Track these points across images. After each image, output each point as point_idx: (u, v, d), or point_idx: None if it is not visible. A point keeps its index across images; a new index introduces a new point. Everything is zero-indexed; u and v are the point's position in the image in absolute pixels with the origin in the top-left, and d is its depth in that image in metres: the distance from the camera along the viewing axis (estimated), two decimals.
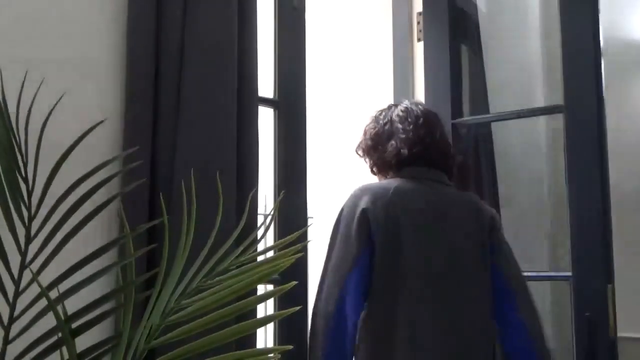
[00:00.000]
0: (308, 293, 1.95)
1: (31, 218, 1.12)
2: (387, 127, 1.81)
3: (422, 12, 2.51)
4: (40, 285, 1.01)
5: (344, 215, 1.67)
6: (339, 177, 2.87)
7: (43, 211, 1.12)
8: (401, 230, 1.64)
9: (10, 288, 1.11)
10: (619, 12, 2.04)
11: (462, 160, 1.99)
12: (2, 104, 1.10)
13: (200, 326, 1.13)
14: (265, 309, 2.58)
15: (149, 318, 1.13)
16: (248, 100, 1.73)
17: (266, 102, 1.97)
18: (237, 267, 1.20)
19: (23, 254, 1.11)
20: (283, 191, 1.75)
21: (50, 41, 1.47)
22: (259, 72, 1.80)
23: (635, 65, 2.03)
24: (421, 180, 1.74)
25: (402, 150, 1.75)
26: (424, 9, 2.50)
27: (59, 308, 1.07)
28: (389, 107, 1.88)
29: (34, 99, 1.15)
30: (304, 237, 1.48)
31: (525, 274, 1.77)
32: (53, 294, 1.06)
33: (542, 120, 2.66)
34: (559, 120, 2.23)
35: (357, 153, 1.89)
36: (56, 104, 1.18)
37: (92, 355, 1.11)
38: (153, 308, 1.15)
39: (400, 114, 1.82)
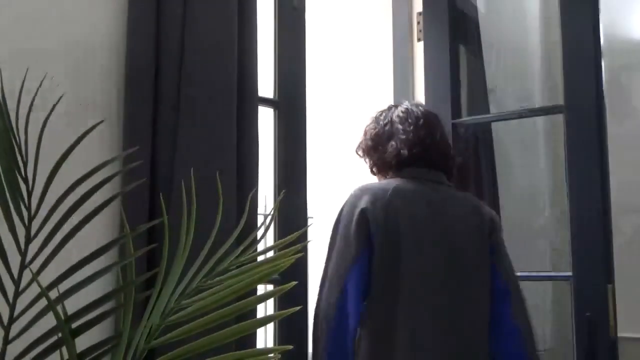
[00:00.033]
0: (308, 293, 1.94)
1: (31, 218, 1.12)
2: (387, 127, 1.82)
3: (422, 12, 2.51)
4: (40, 285, 1.01)
5: (344, 215, 1.67)
6: (339, 177, 2.87)
7: (43, 211, 1.12)
8: (400, 230, 1.64)
9: (10, 288, 1.11)
10: (619, 12, 2.04)
11: (462, 161, 1.99)
12: (2, 104, 1.10)
13: (200, 326, 1.13)
14: (265, 309, 2.58)
15: (149, 318, 1.13)
16: (248, 100, 1.73)
17: (266, 102, 1.97)
18: (237, 267, 1.20)
19: (23, 254, 1.11)
20: (283, 191, 1.75)
21: (51, 41, 1.47)
22: (259, 72, 1.80)
23: (635, 65, 2.03)
24: (421, 181, 1.74)
25: (402, 151, 1.75)
26: (424, 9, 2.50)
27: (59, 308, 1.07)
28: (389, 108, 1.88)
29: (34, 99, 1.15)
30: (304, 237, 1.48)
31: (526, 274, 1.77)
32: (53, 294, 1.06)
33: (542, 120, 2.66)
34: (559, 120, 2.23)
35: (357, 153, 1.89)
36: (56, 104, 1.18)
37: (92, 355, 1.10)
38: (153, 308, 1.14)
39: (401, 114, 1.82)
